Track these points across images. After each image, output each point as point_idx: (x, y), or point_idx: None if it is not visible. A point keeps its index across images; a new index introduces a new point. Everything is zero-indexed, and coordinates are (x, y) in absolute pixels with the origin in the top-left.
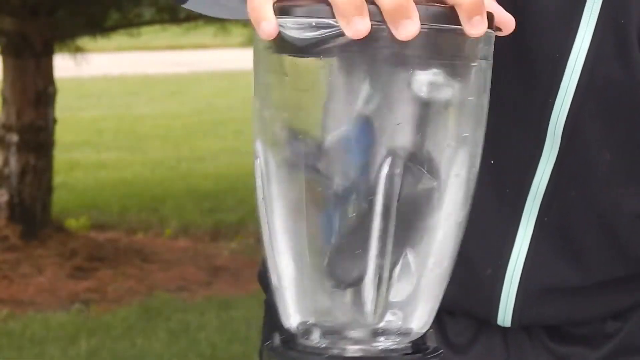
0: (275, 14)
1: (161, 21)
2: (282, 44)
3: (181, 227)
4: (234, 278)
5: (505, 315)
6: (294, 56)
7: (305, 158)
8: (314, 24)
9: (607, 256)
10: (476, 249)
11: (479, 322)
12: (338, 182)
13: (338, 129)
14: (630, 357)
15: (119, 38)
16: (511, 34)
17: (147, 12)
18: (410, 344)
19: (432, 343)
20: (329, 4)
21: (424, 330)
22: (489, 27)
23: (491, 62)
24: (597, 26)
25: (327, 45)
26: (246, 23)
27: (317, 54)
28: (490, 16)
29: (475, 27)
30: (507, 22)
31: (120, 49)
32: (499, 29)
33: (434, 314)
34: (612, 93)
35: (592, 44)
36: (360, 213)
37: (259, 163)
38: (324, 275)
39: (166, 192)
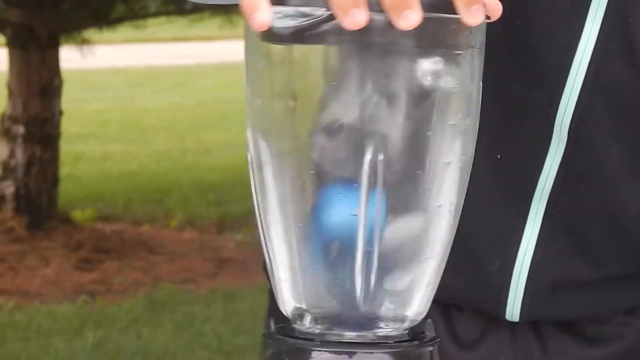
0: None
1: (167, 13)
2: (273, 33)
3: (187, 219)
4: (239, 270)
5: (513, 310)
6: (285, 44)
7: (297, 147)
8: (307, 12)
9: (617, 252)
10: (483, 242)
11: (488, 318)
12: (328, 170)
13: (329, 117)
14: None
15: (124, 30)
16: (518, 31)
17: (153, 4)
18: (407, 332)
19: (430, 332)
20: None
21: (419, 318)
22: None
23: (483, 49)
24: (603, 25)
25: (317, 32)
26: None
27: (307, 42)
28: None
29: (473, 17)
30: (494, 8)
31: (125, 41)
32: (488, 17)
33: (429, 302)
34: (619, 91)
35: (598, 43)
36: (348, 201)
37: (250, 151)
38: (316, 262)
39: (172, 184)
